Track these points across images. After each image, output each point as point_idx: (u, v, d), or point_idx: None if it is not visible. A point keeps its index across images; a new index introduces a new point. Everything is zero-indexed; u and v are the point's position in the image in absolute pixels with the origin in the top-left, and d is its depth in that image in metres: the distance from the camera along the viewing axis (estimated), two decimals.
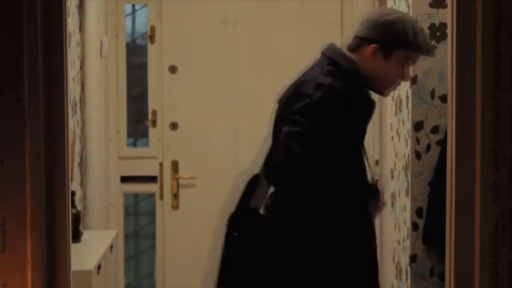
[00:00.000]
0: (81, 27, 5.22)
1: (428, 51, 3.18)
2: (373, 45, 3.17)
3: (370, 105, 3.20)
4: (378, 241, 4.42)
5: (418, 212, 3.91)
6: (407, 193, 3.98)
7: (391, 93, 4.29)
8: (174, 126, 5.61)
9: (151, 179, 5.66)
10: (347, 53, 3.25)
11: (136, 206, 6.05)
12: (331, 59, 3.23)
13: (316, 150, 2.99)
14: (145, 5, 5.68)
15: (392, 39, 3.16)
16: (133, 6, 5.81)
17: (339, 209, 3.10)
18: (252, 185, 3.26)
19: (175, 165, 5.61)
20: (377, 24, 3.17)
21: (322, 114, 3.05)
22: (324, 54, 3.28)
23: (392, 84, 3.26)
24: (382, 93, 3.30)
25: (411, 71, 3.85)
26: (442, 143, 3.77)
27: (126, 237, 5.78)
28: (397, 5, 4.12)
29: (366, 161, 3.23)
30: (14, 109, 2.29)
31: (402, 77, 3.23)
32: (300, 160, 2.98)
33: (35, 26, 2.32)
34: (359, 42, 3.21)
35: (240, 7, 5.56)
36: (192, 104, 5.58)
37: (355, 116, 3.14)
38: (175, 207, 5.63)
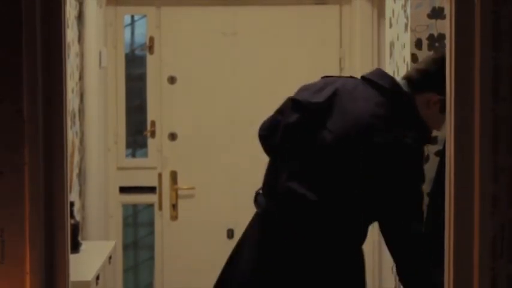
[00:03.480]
0: (80, 38, 5.23)
1: None
2: (440, 97, 3.04)
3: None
4: (377, 251, 4.43)
5: None
6: None
7: None
8: (173, 136, 5.61)
9: (150, 190, 5.66)
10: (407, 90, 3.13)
11: (135, 217, 6.05)
12: (409, 106, 3.10)
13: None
14: (145, 16, 5.69)
15: None
16: (132, 17, 5.82)
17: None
18: None
19: (174, 175, 5.61)
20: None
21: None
22: (393, 91, 3.12)
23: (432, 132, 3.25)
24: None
25: None
26: (441, 154, 3.77)
27: (125, 247, 5.78)
28: (395, 17, 4.13)
29: None
30: (13, 121, 2.30)
31: (438, 128, 3.23)
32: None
33: (34, 37, 2.33)
34: (426, 85, 3.12)
35: (240, 18, 5.57)
36: (191, 114, 5.59)
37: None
38: (174, 217, 5.63)
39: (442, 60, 2.94)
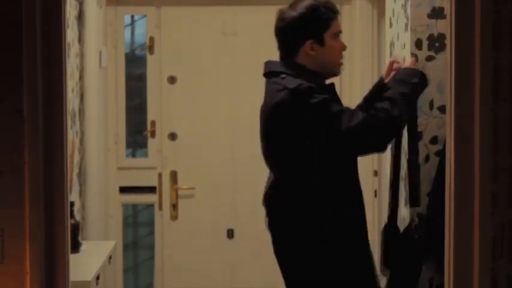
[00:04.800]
0: (80, 38, 5.23)
1: (335, 11, 3.45)
2: (308, 42, 3.37)
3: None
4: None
5: None
6: (406, 204, 3.97)
7: None
8: (173, 136, 5.61)
9: (150, 190, 5.66)
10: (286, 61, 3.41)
11: (135, 217, 6.05)
12: (280, 72, 3.38)
13: None
14: (145, 16, 5.69)
15: (317, 26, 3.38)
16: (132, 17, 5.82)
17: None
18: None
19: (174, 175, 5.61)
20: (295, 22, 3.41)
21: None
22: (270, 73, 3.44)
23: (340, 61, 3.50)
24: (336, 74, 3.51)
25: None
26: (441, 154, 3.77)
27: (125, 247, 5.78)
28: (395, 16, 4.13)
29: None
30: (13, 121, 2.30)
31: (343, 48, 3.49)
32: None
33: (34, 37, 2.33)
34: (292, 47, 3.42)
35: (239, 19, 5.57)
36: (191, 114, 5.59)
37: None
38: (174, 217, 5.63)
39: (287, 22, 3.46)
